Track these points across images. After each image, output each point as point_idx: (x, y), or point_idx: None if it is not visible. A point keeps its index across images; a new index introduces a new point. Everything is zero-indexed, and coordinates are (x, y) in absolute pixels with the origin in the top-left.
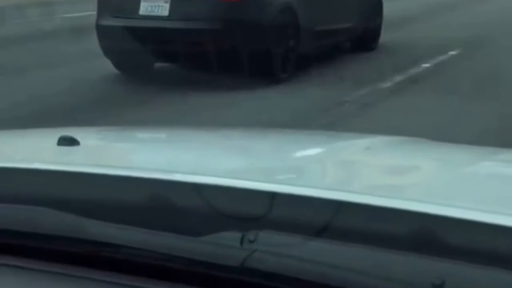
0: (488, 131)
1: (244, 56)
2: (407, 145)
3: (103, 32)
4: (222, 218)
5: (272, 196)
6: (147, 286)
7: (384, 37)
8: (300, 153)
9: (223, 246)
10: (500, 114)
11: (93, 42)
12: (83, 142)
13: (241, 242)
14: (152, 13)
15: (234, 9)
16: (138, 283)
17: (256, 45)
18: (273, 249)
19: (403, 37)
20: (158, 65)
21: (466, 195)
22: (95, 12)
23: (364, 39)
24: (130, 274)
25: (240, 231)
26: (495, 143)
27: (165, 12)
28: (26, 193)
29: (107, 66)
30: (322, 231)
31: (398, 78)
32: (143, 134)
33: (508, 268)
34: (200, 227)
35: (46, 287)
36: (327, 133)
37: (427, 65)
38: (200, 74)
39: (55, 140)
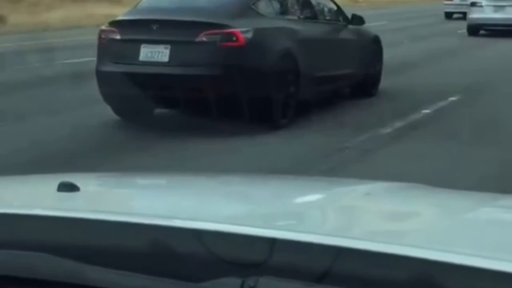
0: (488, 177)
1: (244, 102)
2: (407, 191)
3: (103, 78)
4: (222, 264)
5: (272, 242)
6: None
7: (384, 83)
8: (300, 199)
9: None
10: (500, 160)
11: (93, 88)
12: (83, 188)
13: None
14: (152, 59)
15: (234, 55)
16: None
17: (256, 91)
18: None
19: (403, 83)
20: (158, 111)
21: (466, 241)
22: (95, 58)
23: (364, 85)
24: None
25: (240, 277)
26: (495, 189)
27: (165, 58)
28: (26, 239)
29: (107, 112)
30: (322, 277)
31: (398, 124)
32: (143, 180)
33: None
34: (200, 273)
35: None
36: (327, 179)
37: (427, 111)
38: (200, 120)
39: (55, 186)
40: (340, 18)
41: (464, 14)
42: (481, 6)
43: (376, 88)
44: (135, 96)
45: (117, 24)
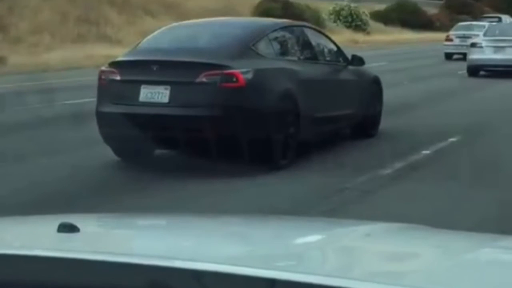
0: (488, 218)
1: (244, 142)
2: (407, 232)
3: (103, 118)
4: None
5: (272, 283)
6: None
7: (384, 123)
8: (300, 240)
9: None
10: (500, 201)
11: (93, 129)
12: (83, 228)
13: None
14: (152, 100)
15: (234, 96)
16: None
17: (256, 131)
18: None
19: (403, 123)
20: (158, 151)
21: (466, 282)
22: (95, 99)
23: (364, 125)
24: None
25: None
26: (495, 230)
27: (165, 99)
28: (27, 280)
29: (107, 153)
30: None
31: (398, 165)
32: (142, 221)
33: None
34: None
35: None
36: (327, 219)
37: (427, 152)
38: (200, 160)
39: (55, 226)
40: (340, 59)
41: (464, 55)
42: (481, 47)
43: (376, 129)
44: (135, 137)
45: (117, 65)
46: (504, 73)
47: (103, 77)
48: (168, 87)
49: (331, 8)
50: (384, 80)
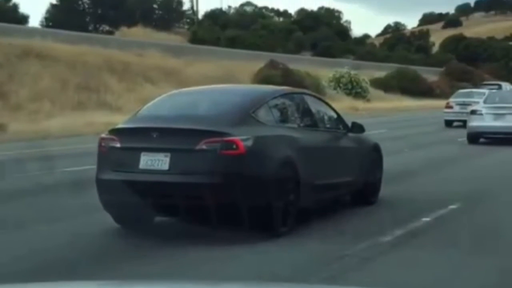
0: (488, 285)
1: (244, 210)
2: None
3: (103, 186)
4: None
5: None
6: None
7: (385, 190)
8: None
9: None
10: (500, 268)
11: (93, 196)
12: None
13: None
14: (152, 167)
15: (234, 163)
16: None
17: (256, 199)
18: None
19: (404, 191)
20: (158, 219)
21: None
22: (95, 166)
23: (364, 193)
24: None
25: None
26: None
27: (165, 166)
28: None
29: (107, 220)
30: None
31: (398, 232)
32: None
33: None
34: None
35: None
36: (327, 286)
37: (427, 219)
38: (200, 228)
39: None
40: (340, 126)
41: (464, 122)
42: (481, 114)
43: (376, 196)
44: (135, 204)
45: (117, 132)
46: (504, 140)
47: (103, 144)
48: (168, 154)
49: (331, 75)
50: (384, 147)
